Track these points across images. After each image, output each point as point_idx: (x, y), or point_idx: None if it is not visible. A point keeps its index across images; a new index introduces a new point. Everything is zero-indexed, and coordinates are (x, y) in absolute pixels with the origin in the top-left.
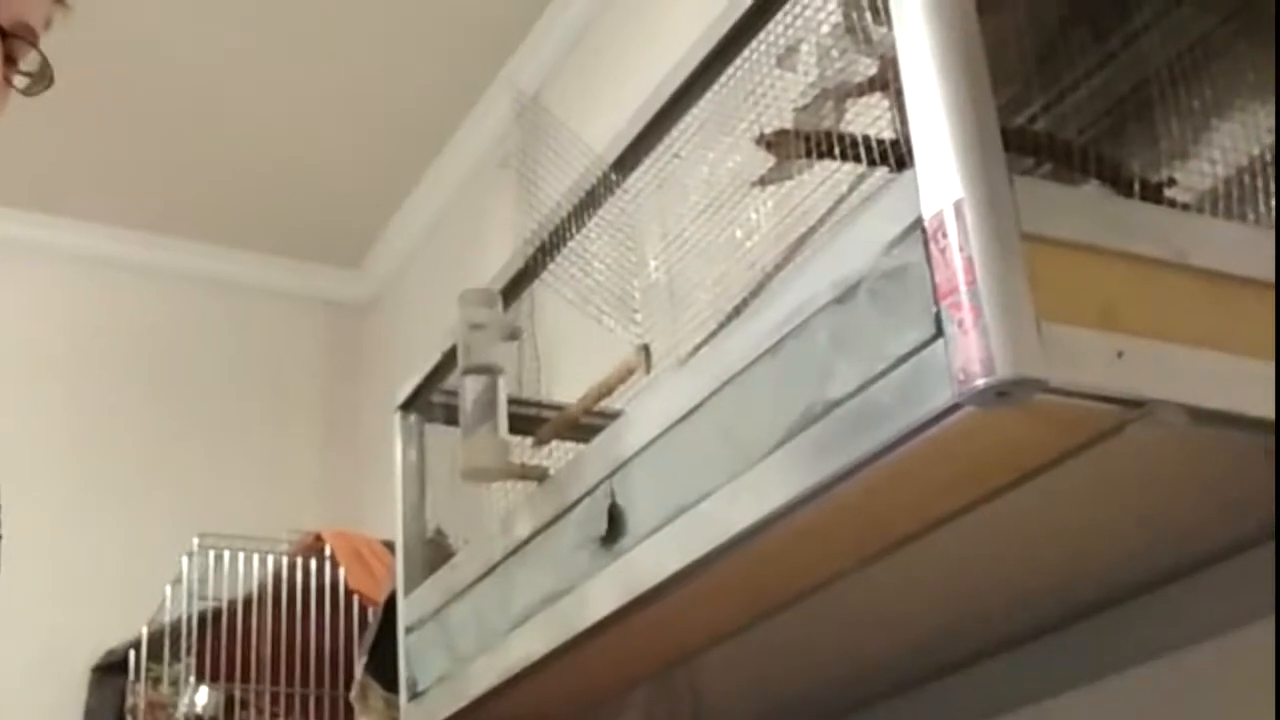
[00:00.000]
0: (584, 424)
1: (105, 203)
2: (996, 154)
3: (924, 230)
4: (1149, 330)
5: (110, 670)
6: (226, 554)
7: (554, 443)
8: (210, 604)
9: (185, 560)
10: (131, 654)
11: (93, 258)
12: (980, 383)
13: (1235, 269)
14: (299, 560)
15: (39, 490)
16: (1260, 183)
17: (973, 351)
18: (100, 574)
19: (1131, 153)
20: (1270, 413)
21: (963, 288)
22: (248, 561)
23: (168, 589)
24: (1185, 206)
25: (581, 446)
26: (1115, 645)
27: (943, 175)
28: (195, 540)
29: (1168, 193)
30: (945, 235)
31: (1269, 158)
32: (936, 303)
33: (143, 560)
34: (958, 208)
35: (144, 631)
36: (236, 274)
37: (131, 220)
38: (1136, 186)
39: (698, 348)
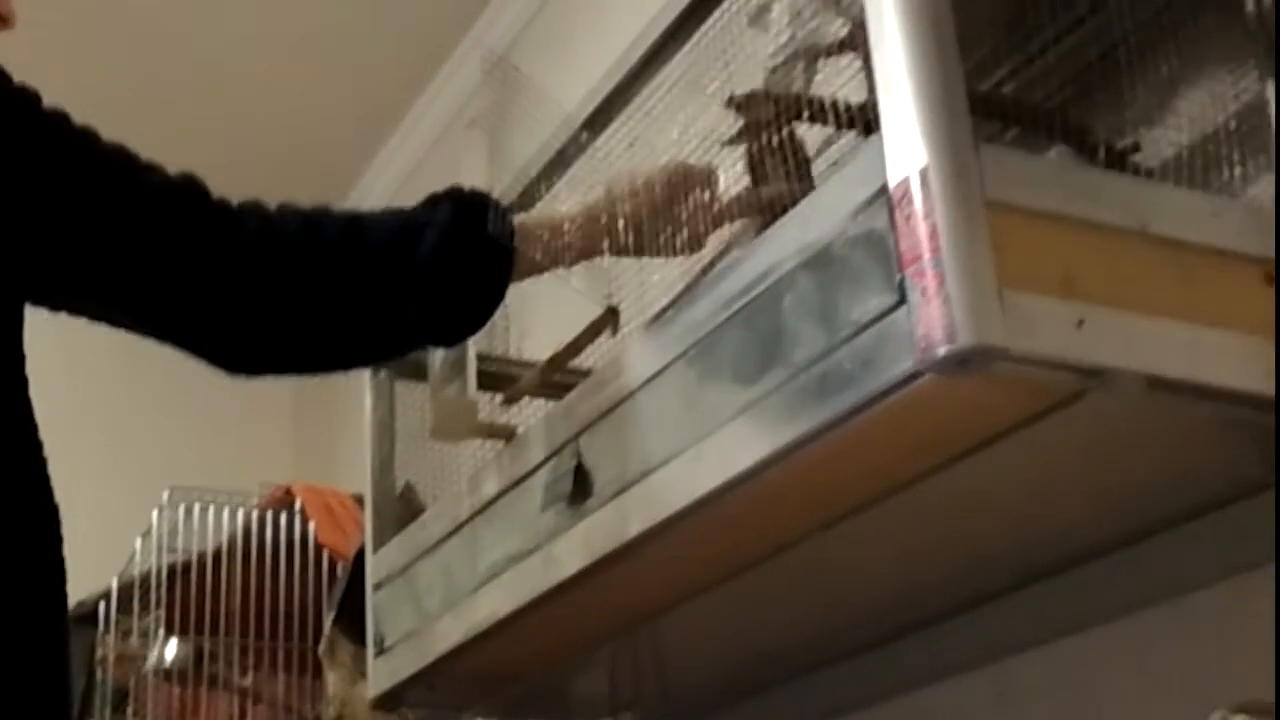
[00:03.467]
0: (554, 382)
1: None
2: (962, 121)
3: (889, 197)
4: (1109, 299)
5: (80, 622)
6: (197, 507)
7: (524, 400)
8: (180, 556)
9: (156, 513)
10: (101, 606)
11: None
12: (941, 351)
13: (1197, 238)
14: (269, 514)
15: None
16: (1225, 151)
17: (934, 320)
18: (70, 525)
19: (1097, 118)
20: (1227, 382)
21: (926, 255)
22: (218, 514)
23: (138, 541)
24: (1150, 173)
25: (551, 405)
26: (1071, 607)
27: (908, 142)
28: (166, 493)
29: (1133, 159)
30: (910, 203)
31: (1234, 125)
32: (900, 270)
33: (113, 512)
34: (923, 175)
35: (114, 584)
36: None
37: None
38: (1101, 153)
39: (665, 310)
